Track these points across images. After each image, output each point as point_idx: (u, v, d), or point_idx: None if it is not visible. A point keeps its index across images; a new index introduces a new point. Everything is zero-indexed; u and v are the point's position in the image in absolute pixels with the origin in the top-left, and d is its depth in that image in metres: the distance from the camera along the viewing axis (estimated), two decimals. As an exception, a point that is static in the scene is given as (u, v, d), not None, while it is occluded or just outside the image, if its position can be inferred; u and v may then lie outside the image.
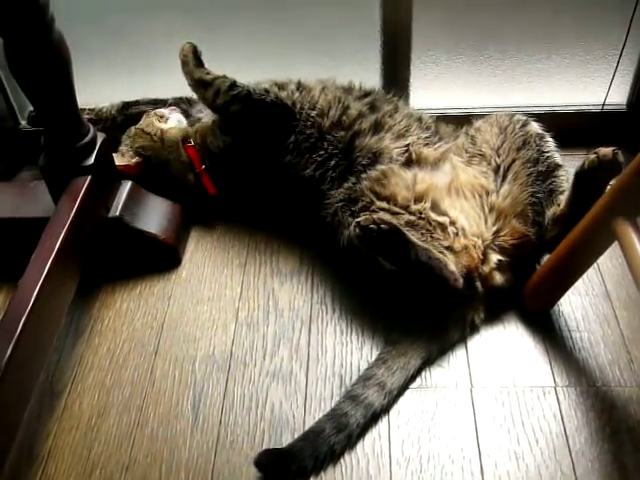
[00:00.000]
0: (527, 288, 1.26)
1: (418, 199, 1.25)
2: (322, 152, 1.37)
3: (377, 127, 1.35)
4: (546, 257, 1.26)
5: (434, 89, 1.63)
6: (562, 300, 1.27)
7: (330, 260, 1.41)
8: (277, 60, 1.60)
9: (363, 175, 1.31)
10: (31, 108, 1.60)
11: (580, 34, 1.55)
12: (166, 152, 1.49)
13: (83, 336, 1.31)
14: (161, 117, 1.55)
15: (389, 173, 1.29)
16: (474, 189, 1.27)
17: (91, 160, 1.29)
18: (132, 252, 1.41)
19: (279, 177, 1.42)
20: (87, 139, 1.29)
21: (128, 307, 1.36)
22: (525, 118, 1.34)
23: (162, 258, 1.42)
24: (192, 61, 1.46)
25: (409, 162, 1.31)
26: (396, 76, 1.61)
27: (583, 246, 1.16)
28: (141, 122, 1.55)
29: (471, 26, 1.55)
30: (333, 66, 1.59)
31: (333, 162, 1.35)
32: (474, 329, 1.24)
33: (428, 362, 1.20)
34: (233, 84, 1.41)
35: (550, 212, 1.25)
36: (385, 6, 1.51)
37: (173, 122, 1.55)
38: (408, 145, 1.32)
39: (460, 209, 1.25)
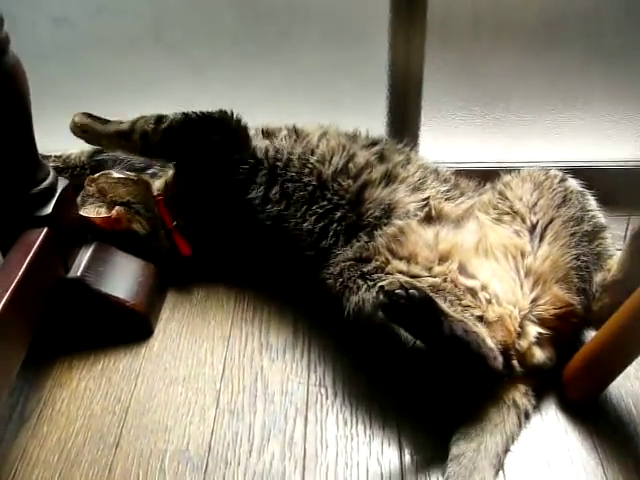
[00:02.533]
0: (567, 372, 1.05)
1: (442, 259, 1.07)
2: (324, 203, 1.18)
3: (389, 178, 1.18)
4: (591, 334, 1.06)
5: (446, 141, 1.46)
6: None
7: (330, 331, 1.20)
8: (272, 106, 1.41)
9: (376, 231, 1.13)
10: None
11: (608, 85, 1.40)
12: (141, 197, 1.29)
13: (29, 422, 1.07)
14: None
15: (407, 229, 1.11)
16: (507, 250, 1.08)
17: (48, 209, 1.09)
18: (95, 320, 1.19)
19: (268, 231, 1.23)
20: (45, 184, 1.09)
21: (86, 387, 1.13)
22: (562, 174, 1.18)
23: (130, 328, 1.20)
24: (94, 123, 1.29)
25: (428, 218, 1.13)
26: (404, 126, 1.43)
27: (638, 321, 0.96)
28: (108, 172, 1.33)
29: (489, 72, 1.39)
30: (334, 113, 1.41)
31: (338, 214, 1.17)
32: (528, 418, 1.03)
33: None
34: (159, 118, 1.25)
35: (599, 278, 1.07)
36: (394, 48, 1.34)
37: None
38: (427, 199, 1.15)
39: (492, 272, 1.05)
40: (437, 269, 1.06)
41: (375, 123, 1.43)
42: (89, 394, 1.11)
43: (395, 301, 0.92)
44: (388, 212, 1.15)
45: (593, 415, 1.05)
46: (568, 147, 1.44)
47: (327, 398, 1.09)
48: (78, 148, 1.43)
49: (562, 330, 1.06)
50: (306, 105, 1.42)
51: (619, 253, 1.09)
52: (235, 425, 1.05)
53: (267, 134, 1.28)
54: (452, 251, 1.08)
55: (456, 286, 1.03)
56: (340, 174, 1.18)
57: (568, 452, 1.00)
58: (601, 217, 1.13)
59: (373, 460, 0.99)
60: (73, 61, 1.37)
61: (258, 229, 1.23)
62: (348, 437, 1.03)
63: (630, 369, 1.07)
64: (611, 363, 1.02)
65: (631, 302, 0.96)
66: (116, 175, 1.31)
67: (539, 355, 1.03)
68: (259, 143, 1.26)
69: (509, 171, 1.24)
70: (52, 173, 1.11)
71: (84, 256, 1.18)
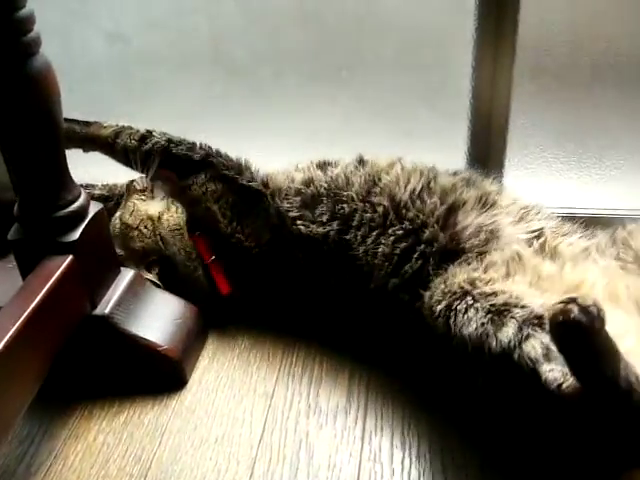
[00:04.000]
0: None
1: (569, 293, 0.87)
2: (405, 224, 1.01)
3: (484, 203, 1.01)
4: None
5: (535, 180, 1.27)
6: None
7: (392, 395, 1.02)
8: (338, 133, 1.27)
9: (482, 256, 0.96)
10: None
11: None
12: (167, 247, 1.16)
13: (35, 477, 0.92)
14: (143, 191, 1.22)
15: (525, 256, 0.95)
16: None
17: (75, 235, 0.95)
18: (121, 364, 1.04)
19: (327, 264, 1.07)
20: (73, 207, 0.96)
21: (105, 441, 0.97)
22: None
23: (161, 376, 1.05)
24: (71, 124, 1.19)
25: (542, 252, 0.97)
26: (487, 161, 1.25)
27: None
28: (122, 210, 1.20)
29: (587, 104, 1.20)
30: (407, 144, 1.26)
31: (426, 235, 1.00)
32: None
33: None
34: (143, 137, 1.18)
35: None
36: (479, 72, 1.18)
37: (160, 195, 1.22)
38: (539, 230, 0.99)
39: (624, 324, 0.84)
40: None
41: (453, 157, 1.26)
42: (106, 450, 0.96)
43: (578, 321, 0.70)
44: (493, 237, 0.98)
45: None
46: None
47: (382, 477, 0.90)
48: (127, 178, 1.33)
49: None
50: (376, 133, 1.27)
51: None
52: (269, 502, 0.88)
53: (321, 166, 1.14)
54: (580, 287, 0.90)
55: None
56: (421, 193, 1.02)
57: None
58: None
59: None
60: (126, 78, 1.27)
61: (312, 263, 1.08)
62: (406, 529, 0.84)
63: None
64: None
65: None
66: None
67: None
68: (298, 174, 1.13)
69: (612, 220, 1.05)
70: (83, 195, 0.98)
71: (116, 291, 1.04)
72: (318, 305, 1.11)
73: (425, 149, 1.25)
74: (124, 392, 1.04)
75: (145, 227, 1.17)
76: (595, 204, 1.23)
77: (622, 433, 0.76)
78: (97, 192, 1.29)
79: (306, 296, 1.11)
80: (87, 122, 1.21)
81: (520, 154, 1.23)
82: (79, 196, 0.98)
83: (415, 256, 0.98)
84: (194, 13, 1.19)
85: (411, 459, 0.92)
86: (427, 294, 0.94)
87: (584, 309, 0.69)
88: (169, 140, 1.17)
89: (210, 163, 1.15)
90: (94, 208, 1.00)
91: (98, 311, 1.01)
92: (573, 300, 0.70)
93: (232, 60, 1.22)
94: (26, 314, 0.86)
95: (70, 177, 0.97)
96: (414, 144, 1.26)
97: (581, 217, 1.11)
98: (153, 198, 1.20)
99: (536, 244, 0.98)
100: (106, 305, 1.02)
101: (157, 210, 1.18)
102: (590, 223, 1.07)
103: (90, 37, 1.21)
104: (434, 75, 1.20)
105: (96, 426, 1.00)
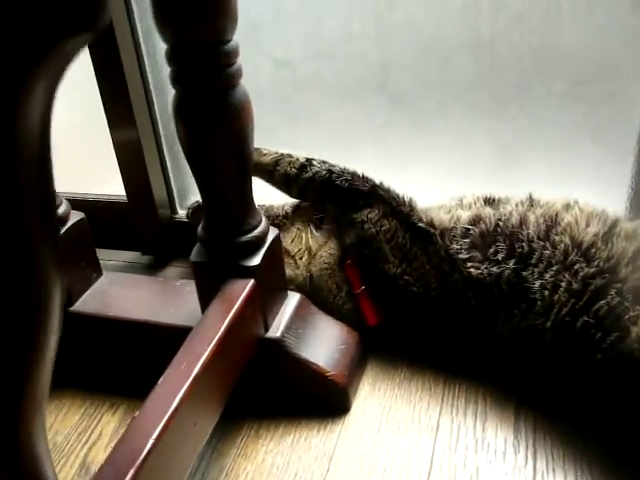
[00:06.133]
0: None
1: None
2: (585, 265, 0.99)
3: None
4: None
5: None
6: None
7: (562, 430, 1.00)
8: (496, 164, 1.26)
9: None
10: (193, 200, 1.36)
11: None
12: (312, 286, 1.16)
13: (209, 494, 0.96)
14: (311, 216, 1.21)
15: None
16: None
17: (257, 260, 0.98)
18: (289, 387, 1.07)
19: (498, 303, 1.05)
20: (256, 232, 0.99)
21: (274, 463, 1.00)
22: None
23: (327, 401, 1.06)
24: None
25: None
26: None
27: None
28: (285, 232, 1.20)
29: None
30: (569, 179, 1.23)
31: (618, 277, 0.97)
32: None
33: None
34: (303, 165, 1.18)
35: None
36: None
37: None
38: None
39: None
40: None
41: (615, 196, 1.23)
42: (276, 472, 0.98)
43: None
44: None
45: None
46: None
47: (559, 522, 0.89)
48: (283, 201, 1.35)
49: None
50: (537, 166, 1.24)
51: None
52: (446, 539, 0.87)
53: (490, 202, 1.12)
54: None
55: None
56: (606, 236, 1.00)
57: None
58: None
59: None
60: (290, 104, 1.30)
61: (483, 305, 1.06)
62: None
63: None
64: None
65: None
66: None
67: None
68: (467, 212, 1.10)
69: None
70: (264, 221, 1.01)
71: (285, 315, 1.06)
72: (483, 342, 1.10)
73: (585, 186, 1.23)
74: (290, 414, 1.06)
75: (301, 258, 1.18)
76: None
77: None
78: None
79: (472, 335, 1.10)
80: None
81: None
82: (261, 221, 1.00)
83: (612, 293, 0.96)
84: (363, 40, 1.20)
85: (590, 503, 0.90)
86: (635, 329, 0.92)
87: None
88: (330, 170, 1.16)
89: (380, 197, 1.13)
90: (273, 233, 1.02)
91: (270, 334, 1.03)
92: None
93: (398, 89, 1.22)
94: (218, 336, 0.89)
95: (254, 202, 1.00)
96: (574, 180, 1.23)
97: None
98: (318, 227, 1.21)
99: None
100: (277, 329, 1.04)
101: (318, 243, 1.19)
102: None
103: (260, 63, 1.24)
104: (604, 112, 1.17)
105: (264, 447, 1.02)
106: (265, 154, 1.23)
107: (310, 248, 1.18)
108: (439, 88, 1.20)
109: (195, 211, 1.31)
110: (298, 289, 1.15)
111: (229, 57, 0.87)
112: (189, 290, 1.08)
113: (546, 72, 1.15)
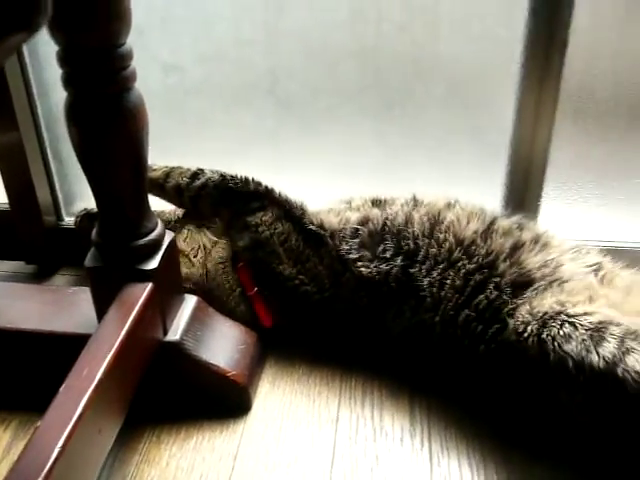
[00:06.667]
0: None
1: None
2: (476, 259, 1.05)
3: (542, 245, 1.06)
4: None
5: (571, 215, 1.33)
6: None
7: (454, 416, 1.06)
8: (385, 166, 1.31)
9: (553, 285, 1.01)
10: (80, 206, 1.32)
11: None
12: (209, 281, 1.18)
13: (112, 503, 0.94)
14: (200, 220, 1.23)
15: (593, 286, 1.01)
16: None
17: (154, 263, 0.98)
18: (189, 390, 1.06)
19: (389, 300, 1.10)
20: (153, 236, 0.98)
21: (178, 466, 0.99)
22: None
23: (228, 402, 1.07)
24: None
25: (601, 283, 1.03)
26: (522, 199, 1.31)
27: None
28: (177, 234, 1.18)
29: (627, 147, 1.27)
30: (448, 178, 1.31)
31: (501, 268, 1.04)
32: None
33: None
34: (195, 174, 1.20)
35: None
36: (520, 115, 1.23)
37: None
38: (597, 264, 1.05)
39: None
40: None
41: (492, 191, 1.32)
42: (180, 475, 0.98)
43: None
44: (559, 270, 1.03)
45: None
46: None
47: (456, 499, 0.94)
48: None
49: None
50: (421, 167, 1.31)
51: None
52: (351, 525, 0.91)
53: (377, 204, 1.18)
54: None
55: None
56: (485, 233, 1.07)
57: None
58: None
59: None
60: (180, 109, 1.29)
61: (374, 303, 1.11)
62: None
63: None
64: None
65: None
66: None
67: None
68: (355, 214, 1.15)
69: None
70: (160, 224, 1.01)
71: (183, 317, 1.06)
72: (376, 337, 1.14)
73: (465, 182, 1.31)
74: (191, 417, 1.06)
75: (195, 256, 1.19)
76: (631, 239, 1.30)
77: None
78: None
79: (365, 331, 1.14)
80: None
81: (559, 190, 1.29)
82: (157, 224, 1.00)
83: (490, 287, 1.03)
84: (252, 45, 1.22)
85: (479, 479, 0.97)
86: (512, 321, 0.99)
87: None
88: (222, 175, 1.18)
89: (274, 200, 1.16)
90: (169, 236, 1.02)
91: (170, 337, 1.03)
92: None
93: (287, 93, 1.25)
94: (119, 341, 0.88)
95: (149, 206, 1.00)
96: (455, 178, 1.31)
97: (622, 251, 1.19)
98: (209, 228, 1.22)
99: (598, 277, 1.04)
100: (176, 331, 1.04)
101: (210, 241, 1.20)
102: (631, 257, 1.14)
103: (147, 67, 1.23)
104: (480, 114, 1.25)
105: (167, 451, 1.02)
106: (155, 169, 1.23)
107: (204, 245, 1.19)
108: (327, 92, 1.24)
109: (83, 218, 1.28)
110: (196, 286, 1.16)
111: (123, 60, 0.87)
112: (83, 297, 1.06)
113: (426, 77, 1.22)
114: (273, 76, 1.24)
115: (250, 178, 1.18)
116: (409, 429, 1.05)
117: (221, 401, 1.07)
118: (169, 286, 1.04)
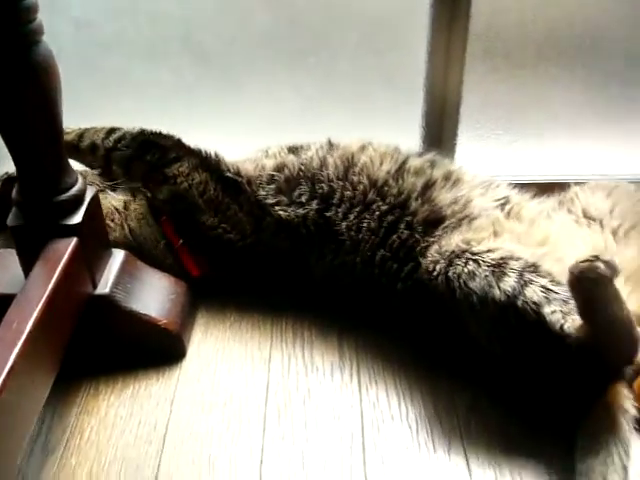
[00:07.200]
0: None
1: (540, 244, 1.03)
2: (389, 199, 1.10)
3: (453, 182, 1.11)
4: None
5: (484, 152, 1.39)
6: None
7: (380, 350, 1.12)
8: (304, 115, 1.34)
9: (463, 222, 1.07)
10: (1, 170, 1.30)
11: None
12: (135, 238, 1.19)
13: (55, 454, 0.96)
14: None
15: (500, 220, 1.07)
16: (595, 249, 1.03)
17: (78, 218, 0.99)
18: (123, 341, 1.09)
19: (309, 245, 1.14)
20: (74, 191, 0.99)
21: (117, 414, 1.02)
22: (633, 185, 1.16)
23: (162, 350, 1.10)
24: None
25: (508, 216, 1.09)
26: (441, 137, 1.36)
27: None
28: None
29: (533, 81, 1.32)
30: (367, 123, 1.35)
31: (412, 208, 1.09)
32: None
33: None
34: (111, 130, 1.20)
35: None
36: (433, 56, 1.28)
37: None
38: (505, 198, 1.11)
39: None
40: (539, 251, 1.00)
41: (409, 134, 1.36)
42: (120, 422, 1.01)
43: (602, 273, 0.82)
44: (468, 206, 1.09)
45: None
46: (618, 160, 1.39)
47: (384, 422, 1.00)
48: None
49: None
50: (339, 115, 1.34)
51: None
52: (287, 453, 0.95)
53: (293, 150, 1.21)
54: (547, 240, 1.04)
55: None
56: (398, 173, 1.11)
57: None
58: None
59: (443, 487, 0.90)
60: (93, 66, 1.28)
61: (296, 247, 1.15)
62: (411, 463, 0.93)
63: None
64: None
65: None
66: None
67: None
68: (271, 161, 1.18)
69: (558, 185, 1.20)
70: (80, 180, 1.01)
71: (112, 271, 1.08)
72: (302, 281, 1.18)
73: (383, 128, 1.35)
74: (127, 367, 1.09)
75: (112, 220, 1.18)
76: (540, 172, 1.37)
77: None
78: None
79: (290, 276, 1.18)
80: None
81: (472, 128, 1.35)
82: (77, 179, 1.01)
83: (402, 227, 1.07)
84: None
85: (407, 405, 1.02)
86: (423, 260, 1.04)
87: (607, 264, 0.82)
88: (139, 130, 1.19)
89: (189, 150, 1.17)
90: (91, 191, 1.03)
91: (99, 291, 1.04)
92: (597, 258, 0.83)
93: (202, 47, 1.26)
94: (47, 295, 0.89)
95: (68, 161, 1.00)
96: (374, 122, 1.35)
97: (530, 184, 1.25)
98: (114, 190, 1.21)
99: (505, 210, 1.09)
100: (106, 285, 1.05)
101: (122, 200, 1.20)
102: (538, 188, 1.20)
103: (58, 23, 1.21)
104: (392, 59, 1.29)
105: (105, 401, 1.04)
106: (68, 132, 1.21)
107: (116, 208, 1.19)
108: (242, 44, 1.25)
109: (5, 182, 1.26)
110: (124, 247, 1.16)
111: (29, 13, 0.86)
112: (10, 259, 1.05)
113: (340, 26, 1.24)
114: (187, 29, 1.24)
115: (167, 132, 1.19)
116: (338, 364, 1.10)
117: (155, 350, 1.09)
118: (94, 240, 1.05)
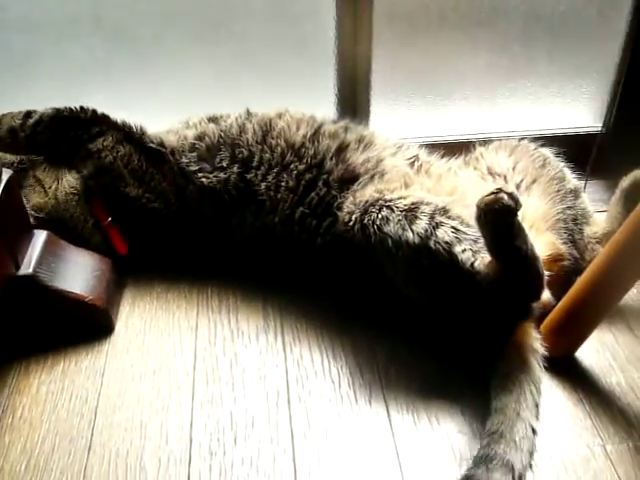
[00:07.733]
0: (547, 326, 1.05)
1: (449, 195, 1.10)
2: (306, 160, 1.15)
3: (365, 144, 1.17)
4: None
5: (396, 117, 1.44)
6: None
7: (302, 312, 1.17)
8: (217, 88, 1.36)
9: (374, 179, 1.12)
10: None
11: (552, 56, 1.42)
12: (58, 210, 1.20)
13: (-14, 433, 0.98)
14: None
15: (409, 174, 1.13)
16: None
17: (-6, 200, 1.00)
18: (50, 319, 1.11)
19: (231, 208, 1.18)
20: (-12, 174, 1.00)
21: (48, 390, 1.04)
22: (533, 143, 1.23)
23: (90, 325, 1.12)
24: None
25: (418, 173, 1.15)
26: (354, 104, 1.40)
27: (615, 273, 0.98)
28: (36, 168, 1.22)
29: (438, 47, 1.37)
30: (282, 94, 1.38)
31: (327, 166, 1.14)
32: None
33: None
34: (27, 113, 1.20)
35: (589, 231, 1.15)
36: (341, 24, 1.31)
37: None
38: (414, 157, 1.17)
39: None
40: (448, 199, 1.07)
41: (324, 102, 1.40)
42: (52, 398, 1.03)
43: (506, 203, 0.87)
44: (380, 164, 1.14)
45: (575, 370, 1.05)
46: (521, 118, 1.46)
47: (307, 378, 1.05)
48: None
49: (555, 276, 1.05)
50: (252, 86, 1.37)
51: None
52: (215, 414, 0.99)
53: (213, 120, 1.24)
54: (455, 191, 1.11)
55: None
56: (314, 137, 1.16)
57: (556, 407, 0.99)
58: (576, 180, 1.20)
59: (363, 435, 0.96)
60: (5, 49, 1.27)
61: (220, 213, 1.19)
62: (334, 415, 0.99)
63: (602, 323, 1.09)
64: (589, 315, 1.03)
65: (604, 258, 0.98)
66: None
67: (546, 295, 1.02)
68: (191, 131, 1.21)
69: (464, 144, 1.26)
70: (-5, 163, 1.02)
71: (34, 252, 1.09)
72: (226, 247, 1.22)
73: (298, 97, 1.38)
74: (56, 345, 1.11)
75: (50, 187, 1.20)
76: (449, 132, 1.43)
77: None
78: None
79: (214, 242, 1.22)
80: None
81: (383, 93, 1.39)
82: (-9, 163, 1.02)
83: (320, 184, 1.12)
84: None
85: (329, 360, 1.08)
86: (340, 213, 1.09)
87: (510, 195, 0.88)
88: (56, 108, 1.19)
89: (113, 124, 1.20)
90: (7, 173, 1.04)
91: (22, 271, 1.06)
92: (500, 190, 0.88)
93: (112, 23, 1.26)
94: (-34, 278, 0.91)
95: (-19, 145, 1.01)
96: (288, 92, 1.38)
97: (439, 144, 1.31)
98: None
99: (414, 167, 1.15)
100: (29, 265, 1.07)
101: (54, 174, 1.21)
102: (446, 148, 1.26)
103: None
104: (302, 29, 1.32)
105: (36, 380, 1.06)
106: None
107: (57, 176, 1.21)
108: (152, 19, 1.26)
109: None
110: (48, 216, 1.18)
111: None
112: None
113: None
114: (96, 7, 1.24)
115: (85, 106, 1.20)
116: (263, 326, 1.15)
117: (84, 326, 1.12)
118: (13, 222, 1.06)
